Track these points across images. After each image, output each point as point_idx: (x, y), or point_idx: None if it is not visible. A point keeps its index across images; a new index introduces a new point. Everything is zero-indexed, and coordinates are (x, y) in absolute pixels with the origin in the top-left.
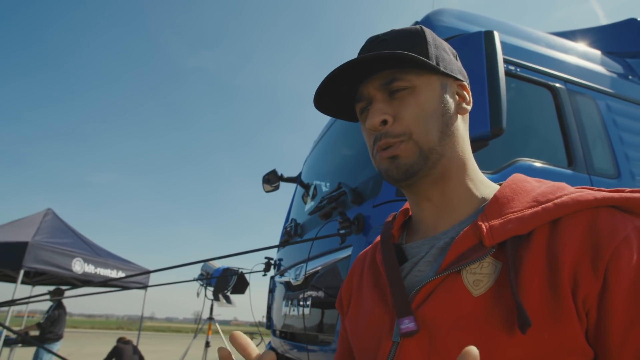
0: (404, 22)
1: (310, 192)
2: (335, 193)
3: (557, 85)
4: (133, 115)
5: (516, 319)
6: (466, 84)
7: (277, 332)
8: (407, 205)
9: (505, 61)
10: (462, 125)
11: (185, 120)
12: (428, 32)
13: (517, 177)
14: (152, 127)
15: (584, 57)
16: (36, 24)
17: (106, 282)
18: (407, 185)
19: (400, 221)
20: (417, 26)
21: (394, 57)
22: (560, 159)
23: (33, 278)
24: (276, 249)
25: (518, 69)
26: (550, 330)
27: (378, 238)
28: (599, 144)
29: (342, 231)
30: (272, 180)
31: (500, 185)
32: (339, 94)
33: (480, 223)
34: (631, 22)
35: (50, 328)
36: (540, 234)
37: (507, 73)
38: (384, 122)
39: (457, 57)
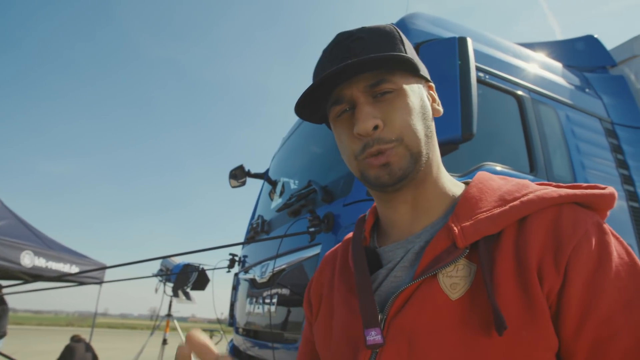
0: (375, 20)
1: (278, 189)
2: (305, 191)
3: (522, 94)
4: (92, 105)
5: (493, 322)
6: (433, 84)
7: (240, 330)
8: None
9: (476, 68)
10: (434, 126)
11: (149, 112)
12: (400, 31)
13: (483, 175)
14: (112, 117)
15: (547, 68)
16: None
17: (60, 278)
18: (394, 189)
19: (371, 222)
20: (389, 25)
21: (388, 59)
22: (522, 164)
23: None
24: (241, 245)
25: (487, 76)
26: (528, 328)
27: (348, 235)
28: (559, 152)
29: (311, 229)
30: (239, 175)
31: (466, 183)
32: (312, 96)
33: (452, 224)
34: (588, 38)
35: None
36: (509, 233)
37: (477, 79)
38: (376, 127)
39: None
